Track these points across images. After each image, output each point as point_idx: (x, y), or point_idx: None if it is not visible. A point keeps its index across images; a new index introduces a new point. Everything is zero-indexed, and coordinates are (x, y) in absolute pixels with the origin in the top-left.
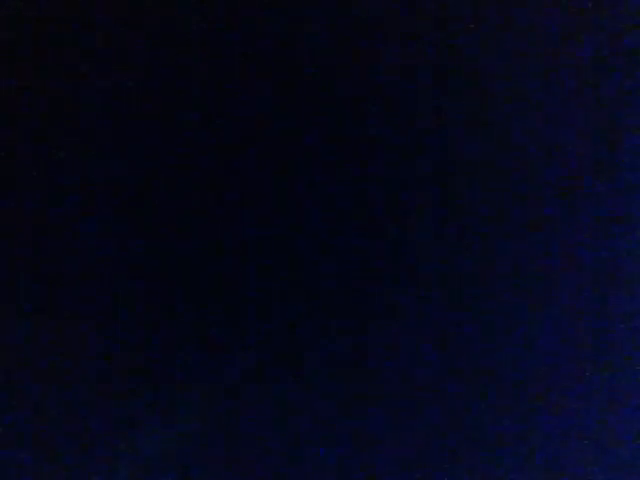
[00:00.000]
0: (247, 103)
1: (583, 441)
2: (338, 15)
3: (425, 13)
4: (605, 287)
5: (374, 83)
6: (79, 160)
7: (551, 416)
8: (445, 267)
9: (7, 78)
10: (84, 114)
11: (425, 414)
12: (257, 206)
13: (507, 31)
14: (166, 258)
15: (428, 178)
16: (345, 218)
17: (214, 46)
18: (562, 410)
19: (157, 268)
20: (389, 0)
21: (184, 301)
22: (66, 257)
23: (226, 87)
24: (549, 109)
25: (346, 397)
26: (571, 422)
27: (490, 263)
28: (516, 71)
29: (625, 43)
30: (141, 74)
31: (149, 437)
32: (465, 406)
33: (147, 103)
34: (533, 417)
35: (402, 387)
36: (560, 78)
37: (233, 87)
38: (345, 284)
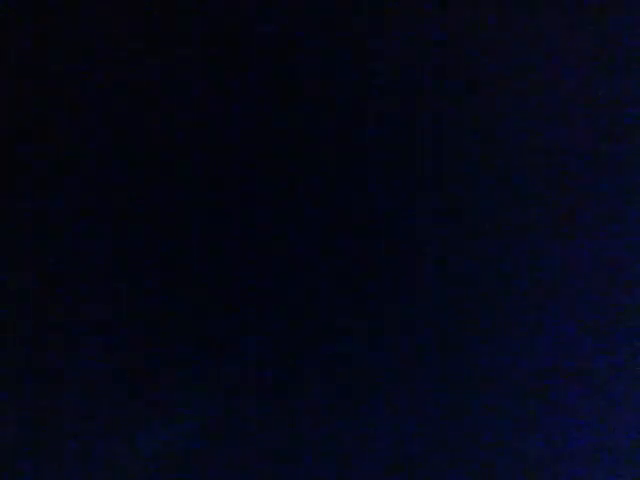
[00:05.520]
0: (246, 102)
1: (583, 441)
2: (338, 15)
3: (425, 14)
4: (605, 287)
5: (374, 83)
6: (78, 159)
7: (551, 416)
8: (444, 267)
9: (6, 77)
10: (83, 113)
11: (425, 414)
12: (257, 205)
13: (507, 31)
14: (165, 257)
15: (427, 178)
16: (345, 218)
17: (214, 45)
18: (562, 410)
19: (156, 267)
20: (389, 0)
21: (184, 300)
22: (65, 256)
23: (225, 86)
24: (549, 109)
25: (346, 397)
26: (571, 422)
27: (489, 263)
28: (516, 71)
29: (625, 43)
30: (140, 73)
31: (149, 437)
32: (465, 406)
33: (146, 102)
34: (533, 417)
35: (402, 387)
36: (560, 78)
37: (233, 85)
38: (345, 284)
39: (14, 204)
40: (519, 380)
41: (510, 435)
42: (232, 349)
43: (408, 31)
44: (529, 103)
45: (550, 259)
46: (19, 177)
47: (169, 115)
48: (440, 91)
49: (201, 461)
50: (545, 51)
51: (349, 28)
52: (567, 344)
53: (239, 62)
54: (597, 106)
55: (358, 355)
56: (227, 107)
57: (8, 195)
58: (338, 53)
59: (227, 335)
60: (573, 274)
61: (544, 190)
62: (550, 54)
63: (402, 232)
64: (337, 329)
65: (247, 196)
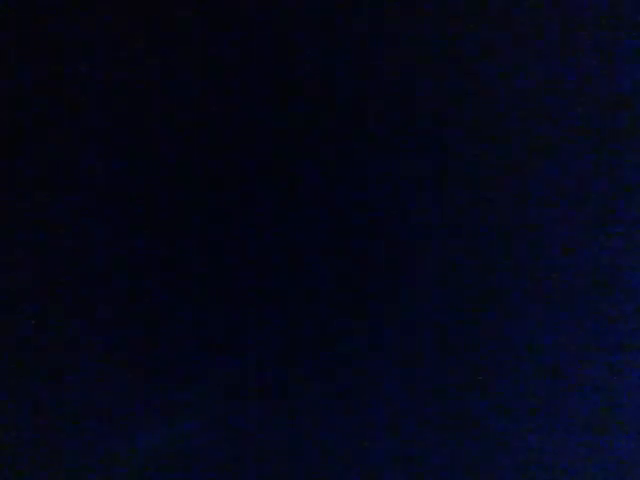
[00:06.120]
0: (246, 102)
1: (583, 441)
2: (337, 15)
3: (425, 13)
4: (605, 287)
5: (374, 84)
6: (78, 159)
7: (551, 416)
8: (445, 267)
9: (6, 77)
10: (83, 113)
11: (425, 414)
12: (257, 206)
13: (507, 31)
14: (166, 257)
15: (428, 179)
16: (345, 218)
17: (214, 44)
18: (562, 410)
19: (157, 267)
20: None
21: (184, 300)
22: (66, 256)
23: (226, 85)
24: (549, 109)
25: (346, 397)
26: (571, 422)
27: (489, 263)
28: (516, 71)
29: (625, 43)
30: (140, 73)
31: (149, 437)
32: (465, 406)
33: (146, 102)
34: (533, 417)
35: (402, 387)
36: (560, 78)
37: (233, 85)
38: (345, 284)
39: (14, 204)
40: (519, 380)
41: (510, 435)
42: (232, 349)
43: (408, 31)
44: (529, 103)
45: (550, 260)
46: (19, 177)
47: (169, 115)
48: (440, 91)
49: (201, 461)
50: (545, 51)
51: (349, 28)
52: (567, 344)
53: (239, 62)
54: (597, 105)
55: (358, 355)
56: (227, 107)
57: (8, 195)
58: (338, 53)
59: (227, 335)
60: (573, 274)
61: (544, 190)
62: (550, 54)
63: (402, 233)
64: (337, 329)
65: (247, 196)
